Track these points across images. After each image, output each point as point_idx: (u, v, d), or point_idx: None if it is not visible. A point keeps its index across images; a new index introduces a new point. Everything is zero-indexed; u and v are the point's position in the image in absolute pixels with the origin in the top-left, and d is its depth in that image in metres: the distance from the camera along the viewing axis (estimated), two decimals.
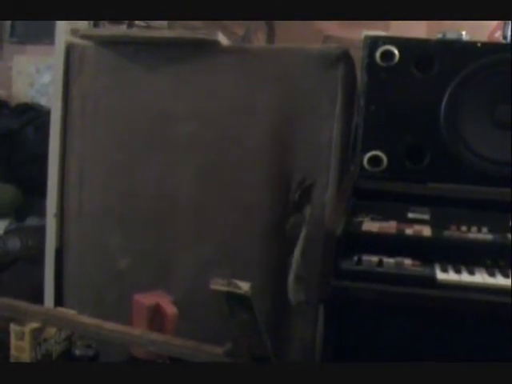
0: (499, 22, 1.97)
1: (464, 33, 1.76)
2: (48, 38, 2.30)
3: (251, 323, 1.77)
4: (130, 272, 2.12)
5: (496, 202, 1.68)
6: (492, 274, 1.51)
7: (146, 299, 1.84)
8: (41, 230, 2.25)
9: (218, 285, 1.67)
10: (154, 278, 2.08)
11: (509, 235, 1.61)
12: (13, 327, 1.77)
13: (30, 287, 2.28)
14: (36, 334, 1.77)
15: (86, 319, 1.75)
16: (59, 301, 2.20)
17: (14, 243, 2.55)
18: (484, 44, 1.73)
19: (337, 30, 2.54)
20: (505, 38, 1.81)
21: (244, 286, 1.56)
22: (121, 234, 2.14)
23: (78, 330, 1.78)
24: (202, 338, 1.71)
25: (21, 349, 1.78)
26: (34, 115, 2.68)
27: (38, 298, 2.17)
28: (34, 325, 1.78)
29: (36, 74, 2.92)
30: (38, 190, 2.30)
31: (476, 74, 1.70)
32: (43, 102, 2.80)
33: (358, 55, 1.82)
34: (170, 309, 1.80)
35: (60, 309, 1.93)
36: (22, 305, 1.78)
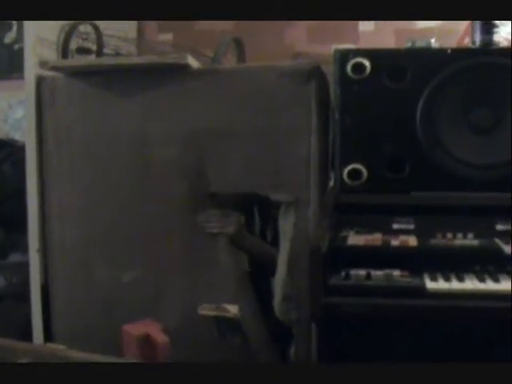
0: (468, 27, 1.97)
1: (433, 40, 1.76)
2: (18, 72, 2.28)
3: (243, 345, 1.76)
4: (118, 302, 2.09)
5: (479, 207, 1.68)
6: (482, 280, 1.51)
7: (134, 329, 1.82)
8: (25, 267, 2.21)
9: (206, 310, 1.66)
10: (144, 307, 2.06)
11: (495, 240, 1.62)
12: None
13: (18, 325, 2.24)
14: None
15: (76, 353, 1.72)
16: (49, 337, 2.17)
17: None
18: (454, 50, 1.73)
19: (306, 46, 2.54)
20: (474, 43, 1.81)
21: (232, 309, 1.56)
22: (106, 264, 2.11)
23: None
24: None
25: None
26: (10, 151, 2.65)
27: (26, 336, 2.14)
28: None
29: (8, 109, 2.89)
30: (19, 226, 2.27)
31: (448, 81, 1.70)
32: (18, 136, 2.77)
33: (329, 70, 1.81)
34: (161, 337, 1.78)
35: (49, 345, 1.90)
36: (9, 343, 1.75)
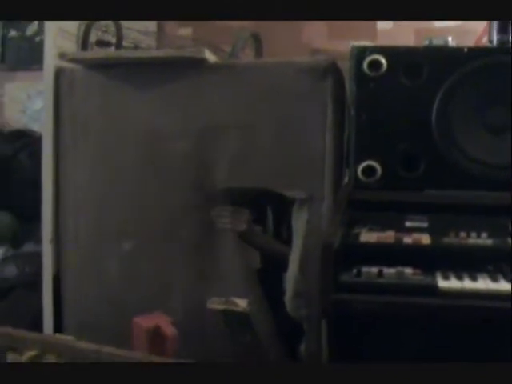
0: (486, 27, 1.96)
1: (450, 38, 1.75)
2: (38, 63, 2.30)
3: (252, 341, 1.75)
4: (128, 295, 2.10)
5: (494, 207, 1.67)
6: (495, 280, 1.50)
7: (144, 321, 1.82)
8: (38, 256, 2.23)
9: (215, 303, 1.65)
10: (154, 300, 2.06)
11: (509, 239, 1.60)
12: (10, 356, 1.74)
13: (29, 314, 2.26)
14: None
15: (85, 345, 1.72)
16: (59, 327, 2.18)
17: (11, 270, 2.52)
18: (471, 49, 1.73)
19: (324, 43, 2.54)
20: (491, 42, 1.80)
21: (241, 303, 1.55)
22: (117, 257, 2.12)
23: (77, 356, 1.75)
24: (203, 359, 1.69)
25: None
26: (28, 141, 2.68)
27: (37, 325, 2.15)
28: (32, 353, 1.75)
29: (27, 100, 2.92)
30: (34, 216, 2.28)
31: (465, 79, 1.70)
32: (36, 127, 2.80)
33: (347, 67, 1.81)
34: (170, 330, 1.79)
35: (58, 335, 1.91)
36: (19, 333, 1.76)
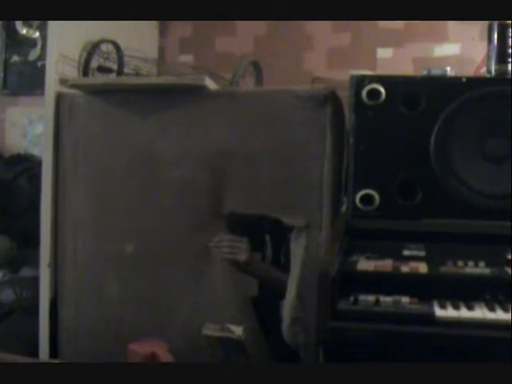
0: (484, 57, 1.98)
1: (449, 69, 1.77)
2: (40, 89, 2.32)
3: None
4: (125, 320, 2.09)
5: (491, 236, 1.67)
6: (492, 309, 1.50)
7: (140, 348, 1.82)
8: (35, 281, 2.22)
9: (210, 330, 1.64)
10: (152, 326, 2.05)
11: (507, 269, 1.60)
12: None
13: (25, 339, 2.24)
14: None
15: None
16: (54, 352, 2.16)
17: (8, 294, 2.52)
18: (469, 79, 1.74)
19: (324, 72, 2.57)
20: (489, 72, 1.82)
21: (237, 330, 1.54)
22: (116, 281, 2.12)
23: None
24: None
25: None
26: (27, 166, 2.69)
27: (33, 350, 2.14)
28: None
29: (28, 125, 2.94)
30: (32, 240, 2.28)
31: (463, 108, 1.71)
32: (36, 152, 2.81)
33: (346, 96, 1.82)
34: (166, 357, 1.78)
35: (53, 361, 1.90)
36: (13, 358, 1.75)
